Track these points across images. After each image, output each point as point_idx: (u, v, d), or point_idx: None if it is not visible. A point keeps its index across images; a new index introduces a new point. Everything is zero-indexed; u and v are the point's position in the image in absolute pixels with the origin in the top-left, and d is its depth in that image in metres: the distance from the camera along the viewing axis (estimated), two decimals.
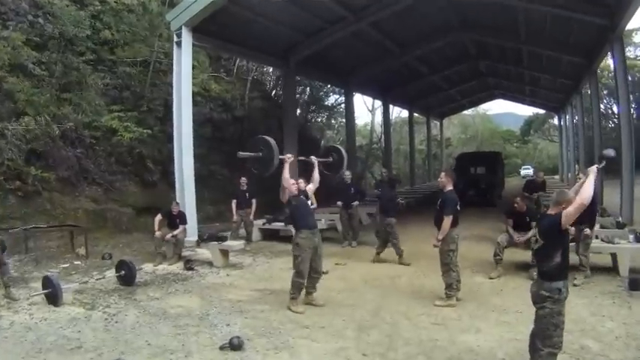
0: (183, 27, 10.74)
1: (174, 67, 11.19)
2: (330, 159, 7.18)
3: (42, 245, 9.99)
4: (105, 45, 13.27)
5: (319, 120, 28.77)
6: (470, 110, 42.65)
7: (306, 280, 6.31)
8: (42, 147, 10.62)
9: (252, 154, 5.80)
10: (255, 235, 11.92)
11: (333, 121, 30.85)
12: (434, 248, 6.53)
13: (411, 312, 6.07)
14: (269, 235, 11.96)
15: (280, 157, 6.02)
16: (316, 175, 6.75)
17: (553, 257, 3.79)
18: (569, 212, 3.66)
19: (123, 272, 7.56)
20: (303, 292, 6.42)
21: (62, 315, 6.12)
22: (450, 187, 6.46)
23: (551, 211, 3.92)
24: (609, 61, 28.27)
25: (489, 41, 17.22)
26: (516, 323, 5.43)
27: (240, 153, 5.66)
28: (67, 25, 11.16)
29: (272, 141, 5.76)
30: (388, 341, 5.12)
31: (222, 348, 4.86)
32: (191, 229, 10.37)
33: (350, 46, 15.42)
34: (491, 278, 7.58)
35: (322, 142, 30.93)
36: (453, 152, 31.74)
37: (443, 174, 6.65)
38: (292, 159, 6.30)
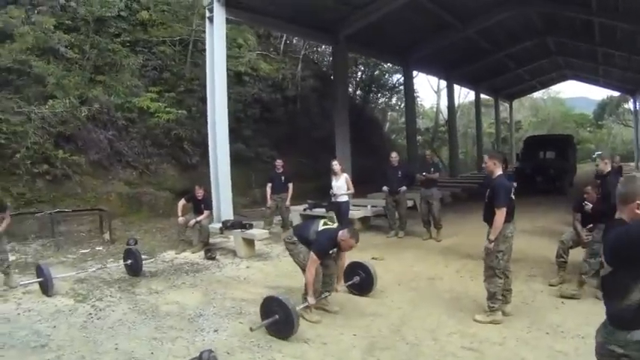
0: (214, 1, 10.01)
1: (207, 44, 10.49)
2: (357, 279, 5.95)
3: (72, 229, 9.79)
4: (142, 26, 12.90)
5: (381, 101, 27.41)
6: (541, 93, 39.80)
7: (320, 277, 5.22)
8: (71, 130, 10.37)
9: (268, 320, 4.68)
10: (297, 221, 11.13)
11: (400, 103, 29.41)
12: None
13: (442, 328, 4.85)
14: None
15: (302, 306, 5.04)
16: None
17: (627, 291, 2.22)
18: None
19: (130, 261, 7.01)
20: None
21: (49, 306, 5.65)
22: (499, 172, 5.09)
23: (619, 215, 2.36)
24: None
25: (557, 13, 15.13)
26: (575, 355, 4.12)
27: (253, 327, 4.61)
28: (94, 5, 10.81)
29: (285, 299, 4.66)
30: None
31: None
32: (225, 214, 9.74)
33: (405, 20, 14.02)
34: (551, 285, 6.12)
35: (387, 124, 29.83)
36: (524, 136, 29.34)
37: (486, 157, 5.28)
38: (314, 301, 5.12)
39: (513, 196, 5.07)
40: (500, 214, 4.80)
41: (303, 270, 5.16)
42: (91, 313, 5.41)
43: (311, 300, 5.04)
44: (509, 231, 4.97)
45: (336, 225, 5.32)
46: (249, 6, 10.88)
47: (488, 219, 4.98)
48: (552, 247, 6.76)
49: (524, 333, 4.65)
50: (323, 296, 5.35)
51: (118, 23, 12.27)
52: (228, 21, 10.61)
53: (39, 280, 6.05)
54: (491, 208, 4.92)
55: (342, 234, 5.05)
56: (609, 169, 5.94)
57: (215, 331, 4.87)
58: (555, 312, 5.23)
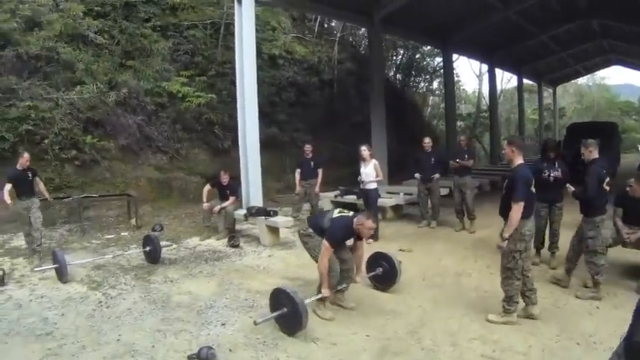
0: None
1: (236, 26, 10.17)
2: (380, 270, 5.57)
3: (101, 215, 9.83)
4: (173, 10, 12.81)
5: (421, 85, 26.61)
6: (586, 78, 38.29)
7: (337, 273, 4.82)
8: (99, 115, 10.40)
9: (274, 314, 4.39)
10: (328, 208, 10.83)
11: (441, 87, 28.48)
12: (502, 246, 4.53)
13: (463, 332, 4.40)
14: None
15: (314, 298, 4.72)
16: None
17: None
18: None
19: (148, 248, 6.89)
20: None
21: (61, 293, 5.62)
22: (519, 161, 4.53)
23: None
24: None
25: None
26: None
27: (257, 321, 4.32)
28: None
29: (293, 293, 4.35)
30: None
31: (190, 358, 3.85)
32: (254, 200, 9.53)
33: (444, 1, 13.37)
34: (586, 287, 5.51)
35: (427, 109, 28.95)
36: (567, 122, 27.96)
37: (505, 143, 4.72)
38: (329, 293, 4.75)
39: (534, 189, 4.57)
40: (517, 209, 4.30)
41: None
42: (101, 302, 5.33)
43: (325, 292, 4.71)
44: (527, 228, 4.47)
45: (352, 213, 4.96)
46: None
47: (505, 213, 4.49)
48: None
49: (552, 342, 4.16)
50: (339, 287, 5.02)
51: (148, 8, 12.23)
52: (258, 2, 10.31)
53: (54, 266, 6.00)
54: (508, 201, 4.43)
55: (358, 219, 4.70)
56: (595, 156, 5.48)
57: (222, 324, 4.65)
58: (589, 318, 4.70)
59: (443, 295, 5.51)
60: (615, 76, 66.44)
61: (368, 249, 7.16)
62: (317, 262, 4.85)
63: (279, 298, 4.44)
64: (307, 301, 4.49)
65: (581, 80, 38.71)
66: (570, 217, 8.74)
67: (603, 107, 42.71)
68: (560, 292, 5.43)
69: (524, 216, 4.36)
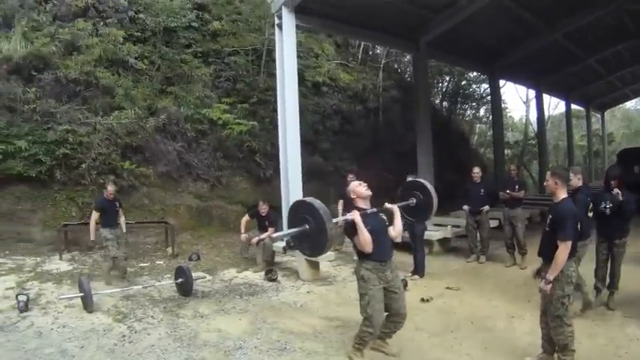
0: (283, 7, 9.49)
1: (277, 51, 9.99)
2: (413, 200, 5.01)
3: (139, 241, 9.68)
4: (214, 36, 12.86)
5: (468, 112, 25.92)
6: (634, 102, 36.49)
7: (378, 329, 4.28)
8: (138, 141, 10.36)
9: (294, 230, 3.86)
10: None
11: (488, 114, 27.76)
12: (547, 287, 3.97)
13: None
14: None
15: (340, 219, 4.19)
16: (398, 224, 4.46)
17: None
18: None
19: (180, 280, 6.56)
20: None
21: (85, 324, 5.37)
22: (563, 195, 4.05)
23: None
24: None
25: None
26: None
27: (273, 235, 3.90)
28: (160, 16, 10.93)
29: (317, 204, 3.74)
30: None
31: None
32: None
33: (488, 25, 12.78)
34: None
35: (474, 137, 28.20)
36: (617, 149, 26.73)
37: (549, 174, 4.19)
38: (357, 217, 4.11)
39: (579, 225, 4.04)
40: (565, 249, 3.81)
41: (365, 318, 4.24)
42: (124, 335, 5.03)
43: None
44: (573, 269, 3.98)
45: None
46: (321, 12, 10.26)
47: (546, 252, 4.01)
48: None
49: None
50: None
51: (188, 34, 12.32)
52: (299, 28, 10.12)
53: (79, 295, 5.76)
54: (551, 240, 3.92)
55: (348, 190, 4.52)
56: (580, 184, 5.28)
57: None
58: None
59: (494, 340, 4.90)
60: None
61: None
62: (362, 313, 4.29)
63: (298, 212, 3.93)
64: (335, 220, 3.91)
65: (629, 104, 37.26)
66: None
67: None
68: (622, 337, 4.81)
69: (569, 256, 3.88)
